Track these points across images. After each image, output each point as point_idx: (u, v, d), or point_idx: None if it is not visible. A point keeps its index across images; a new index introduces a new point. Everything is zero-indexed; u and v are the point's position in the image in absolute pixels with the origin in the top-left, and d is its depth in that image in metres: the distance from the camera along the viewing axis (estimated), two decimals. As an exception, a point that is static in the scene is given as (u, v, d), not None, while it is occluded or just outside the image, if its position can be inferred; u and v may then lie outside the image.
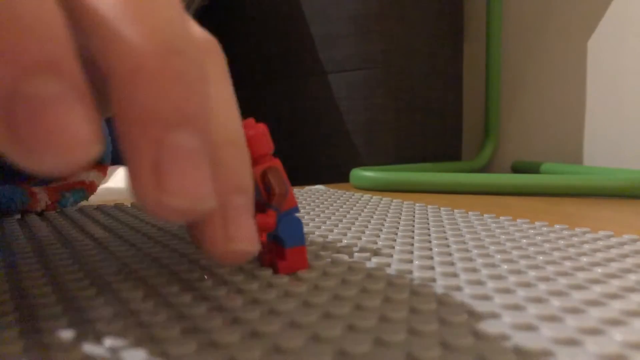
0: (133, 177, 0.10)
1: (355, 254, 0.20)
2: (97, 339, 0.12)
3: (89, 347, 0.12)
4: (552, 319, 0.13)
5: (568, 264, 0.19)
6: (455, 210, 0.31)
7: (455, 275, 0.17)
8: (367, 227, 0.26)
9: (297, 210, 0.18)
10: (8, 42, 0.08)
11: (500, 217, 0.28)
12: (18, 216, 0.31)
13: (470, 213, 0.30)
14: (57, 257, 0.20)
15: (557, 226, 0.25)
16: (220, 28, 0.74)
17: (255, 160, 0.17)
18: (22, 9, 0.08)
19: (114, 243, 0.23)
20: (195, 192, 0.11)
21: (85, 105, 0.09)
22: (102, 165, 0.35)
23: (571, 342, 0.12)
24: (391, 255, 0.20)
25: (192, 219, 0.11)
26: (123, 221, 0.28)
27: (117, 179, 0.51)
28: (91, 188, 0.34)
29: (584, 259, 0.19)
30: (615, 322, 0.13)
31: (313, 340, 0.12)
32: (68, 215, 0.31)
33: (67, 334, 0.13)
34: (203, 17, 0.75)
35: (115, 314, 0.14)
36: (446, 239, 0.23)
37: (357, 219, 0.28)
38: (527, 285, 0.16)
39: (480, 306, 0.14)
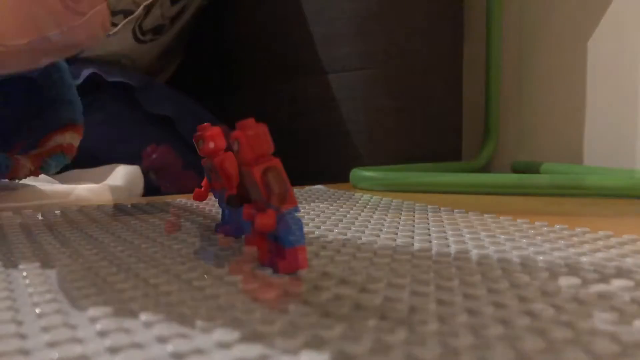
0: None
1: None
2: (97, 338, 0.12)
3: (88, 347, 0.12)
4: (551, 319, 0.13)
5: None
6: (455, 210, 0.31)
7: (455, 275, 0.17)
8: (367, 227, 0.26)
9: (297, 210, 0.18)
10: None
11: (500, 217, 0.28)
12: (19, 219, 0.31)
13: (470, 213, 0.30)
14: (57, 257, 0.20)
15: (557, 226, 0.25)
16: (220, 28, 0.74)
17: (255, 160, 0.17)
18: None
19: (113, 243, 0.23)
20: None
21: None
22: (76, 126, 0.35)
23: (575, 342, 0.12)
24: (391, 255, 0.20)
25: None
26: (123, 221, 0.28)
27: (117, 178, 0.50)
28: (69, 150, 0.35)
29: (584, 259, 0.19)
30: (614, 323, 0.13)
31: (313, 340, 0.12)
32: (68, 215, 0.31)
33: (66, 334, 0.13)
34: (203, 17, 0.75)
35: (115, 314, 0.14)
36: (446, 239, 0.23)
37: (357, 219, 0.28)
38: (527, 285, 0.16)
39: (480, 306, 0.14)
